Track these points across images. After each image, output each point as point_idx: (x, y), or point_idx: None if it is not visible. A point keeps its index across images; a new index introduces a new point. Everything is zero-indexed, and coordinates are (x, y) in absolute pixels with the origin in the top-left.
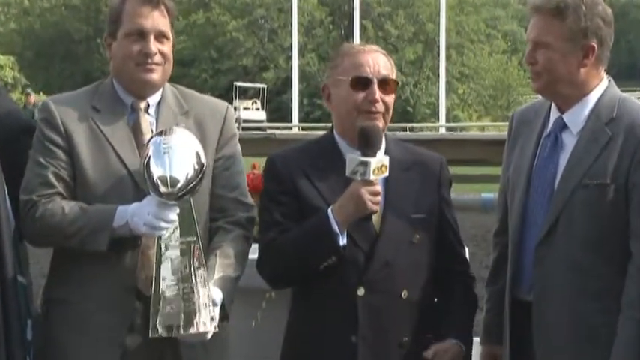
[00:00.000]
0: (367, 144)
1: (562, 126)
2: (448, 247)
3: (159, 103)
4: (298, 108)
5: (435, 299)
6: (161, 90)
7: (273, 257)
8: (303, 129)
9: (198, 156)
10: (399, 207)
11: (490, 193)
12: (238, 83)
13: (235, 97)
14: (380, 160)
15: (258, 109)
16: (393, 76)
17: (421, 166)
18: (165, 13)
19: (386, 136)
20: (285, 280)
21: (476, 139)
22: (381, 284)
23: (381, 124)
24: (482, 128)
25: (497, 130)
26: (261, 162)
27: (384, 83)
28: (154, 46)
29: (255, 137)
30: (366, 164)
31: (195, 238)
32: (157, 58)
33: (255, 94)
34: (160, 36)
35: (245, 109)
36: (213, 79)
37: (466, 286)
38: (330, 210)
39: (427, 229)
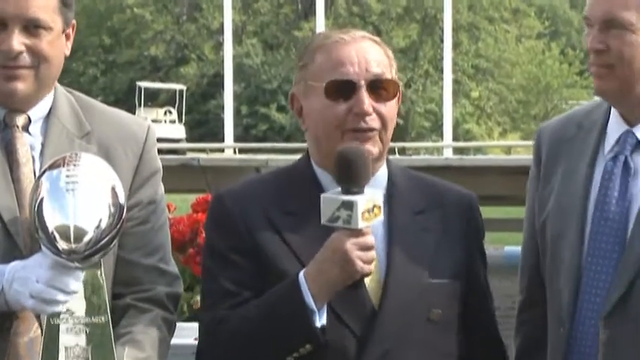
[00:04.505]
0: (350, 175)
1: (633, 144)
2: (480, 326)
3: (47, 117)
4: (233, 120)
5: None
6: (50, 98)
7: (222, 346)
8: (241, 151)
9: (115, 194)
10: (408, 268)
11: (518, 246)
12: (143, 84)
13: (139, 104)
14: (371, 198)
15: (173, 121)
16: (391, 74)
17: (442, 208)
18: None
19: (389, 162)
20: None
21: (498, 165)
22: None
23: (376, 147)
24: (508, 150)
25: (528, 151)
26: (178, 201)
27: (377, 87)
28: (17, 40)
29: (170, 164)
30: (350, 205)
31: (104, 319)
32: (25, 59)
33: (170, 99)
34: (33, 25)
35: (154, 121)
36: (105, 77)
37: None
38: (302, 275)
39: (452, 299)
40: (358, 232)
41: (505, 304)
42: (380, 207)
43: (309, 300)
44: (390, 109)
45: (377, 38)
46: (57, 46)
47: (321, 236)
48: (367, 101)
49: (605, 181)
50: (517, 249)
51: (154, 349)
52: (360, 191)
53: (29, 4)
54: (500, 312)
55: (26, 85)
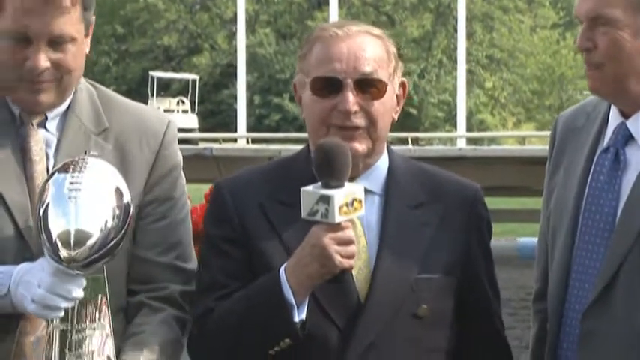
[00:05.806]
0: (328, 169)
1: (626, 137)
2: (479, 321)
3: (66, 112)
4: (246, 110)
5: None
6: (70, 93)
7: (207, 336)
8: (254, 141)
9: (119, 196)
10: (398, 263)
11: (532, 237)
12: (156, 73)
13: (152, 94)
14: (350, 192)
15: (186, 111)
16: (388, 71)
17: (442, 202)
18: (73, 1)
19: (392, 154)
20: None
21: (512, 155)
22: None
23: (363, 144)
24: (522, 140)
25: (542, 142)
26: (191, 191)
27: (365, 85)
28: (44, 57)
29: (183, 154)
30: (327, 200)
31: (107, 324)
32: (50, 74)
33: (182, 89)
34: (58, 42)
35: (167, 111)
36: (118, 67)
37: None
38: (282, 270)
39: (442, 294)
40: (337, 227)
41: (518, 295)
42: (361, 201)
43: (289, 294)
44: (380, 106)
45: (379, 32)
46: (81, 53)
47: (310, 228)
48: (352, 100)
49: (595, 175)
50: (530, 240)
51: (164, 351)
52: (340, 185)
53: (54, 21)
54: (514, 303)
55: (49, 96)
